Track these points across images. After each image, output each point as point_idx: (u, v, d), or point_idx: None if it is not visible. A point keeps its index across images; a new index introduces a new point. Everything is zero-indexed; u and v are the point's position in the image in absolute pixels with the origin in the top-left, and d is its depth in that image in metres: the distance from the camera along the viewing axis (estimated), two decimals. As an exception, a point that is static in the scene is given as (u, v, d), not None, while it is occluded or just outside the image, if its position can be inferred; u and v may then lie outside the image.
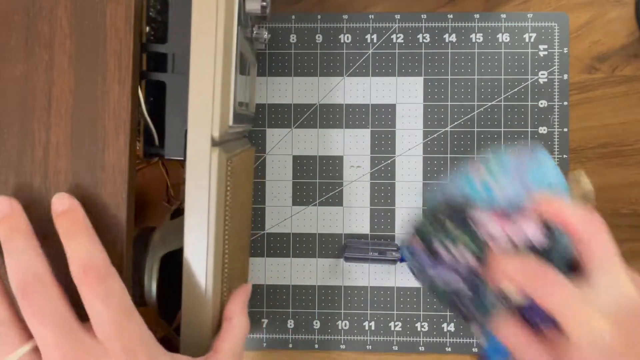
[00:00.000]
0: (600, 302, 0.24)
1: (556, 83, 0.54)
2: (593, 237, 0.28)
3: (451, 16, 0.55)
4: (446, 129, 0.55)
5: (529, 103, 0.54)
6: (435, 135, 0.55)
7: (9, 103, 0.30)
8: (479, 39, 0.55)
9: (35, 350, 0.21)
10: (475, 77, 0.54)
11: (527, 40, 0.54)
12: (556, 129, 0.54)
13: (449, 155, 0.55)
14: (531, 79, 0.54)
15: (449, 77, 0.55)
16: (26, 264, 0.21)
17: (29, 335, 0.21)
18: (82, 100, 0.30)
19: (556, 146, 0.54)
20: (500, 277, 0.28)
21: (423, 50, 0.55)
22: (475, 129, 0.54)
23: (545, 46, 0.54)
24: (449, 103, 0.55)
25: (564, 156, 0.54)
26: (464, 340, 0.54)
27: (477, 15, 0.55)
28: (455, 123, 0.55)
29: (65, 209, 0.25)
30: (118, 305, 0.21)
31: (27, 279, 0.21)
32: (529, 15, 0.54)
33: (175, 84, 0.28)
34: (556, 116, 0.54)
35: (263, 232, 0.54)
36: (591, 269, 0.27)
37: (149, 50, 0.27)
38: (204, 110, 0.26)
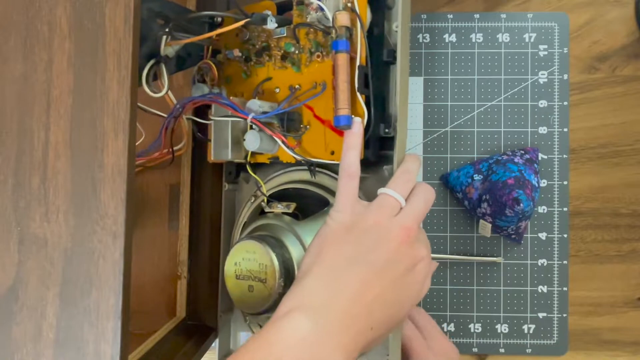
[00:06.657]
0: None
1: (556, 83, 0.54)
2: None
3: (451, 16, 0.55)
4: (446, 129, 0.55)
5: (529, 103, 0.54)
6: (435, 135, 0.55)
7: (8, 103, 0.30)
8: (479, 39, 0.55)
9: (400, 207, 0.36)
10: (475, 77, 0.54)
11: (527, 40, 0.54)
12: (556, 129, 0.54)
13: (449, 155, 0.55)
14: (531, 79, 0.54)
15: (449, 77, 0.55)
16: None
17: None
18: (81, 101, 0.30)
19: (556, 146, 0.54)
20: None
21: (423, 50, 0.55)
22: (475, 129, 0.54)
23: (545, 46, 0.54)
24: (449, 103, 0.54)
25: (564, 156, 0.54)
26: (464, 340, 0.54)
27: (477, 15, 0.54)
28: (455, 123, 0.54)
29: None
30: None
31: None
32: (529, 15, 0.54)
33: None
34: (556, 116, 0.54)
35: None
36: None
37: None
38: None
